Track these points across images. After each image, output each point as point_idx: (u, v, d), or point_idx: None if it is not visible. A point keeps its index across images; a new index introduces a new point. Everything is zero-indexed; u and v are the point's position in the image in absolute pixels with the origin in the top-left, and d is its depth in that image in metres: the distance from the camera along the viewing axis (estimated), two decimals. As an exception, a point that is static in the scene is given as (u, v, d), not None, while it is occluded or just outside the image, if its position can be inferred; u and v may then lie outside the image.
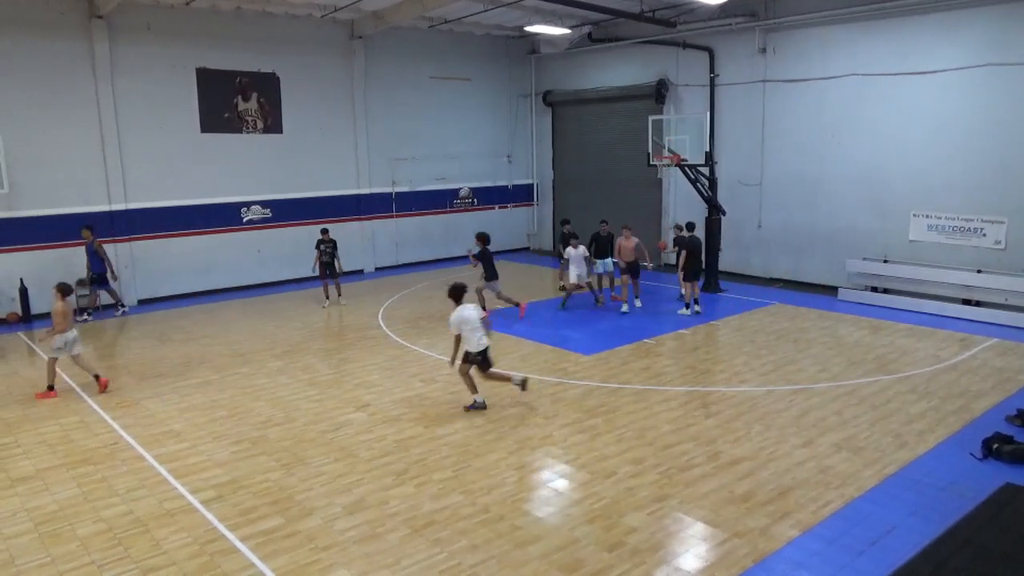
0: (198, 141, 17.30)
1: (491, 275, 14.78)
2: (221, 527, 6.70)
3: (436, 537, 6.43)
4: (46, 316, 15.32)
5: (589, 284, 15.54)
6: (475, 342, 9.31)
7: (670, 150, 17.03)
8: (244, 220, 18.26)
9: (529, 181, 24.09)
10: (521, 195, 24.01)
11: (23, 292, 15.17)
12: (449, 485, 7.44)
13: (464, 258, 21.43)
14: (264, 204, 18.52)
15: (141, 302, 16.72)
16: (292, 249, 18.88)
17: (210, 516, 6.92)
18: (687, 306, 14.61)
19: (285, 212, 18.85)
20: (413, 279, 19.13)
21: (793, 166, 17.27)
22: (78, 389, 10.76)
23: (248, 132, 18.08)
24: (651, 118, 17.79)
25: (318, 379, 11.01)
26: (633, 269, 14.97)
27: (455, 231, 22.13)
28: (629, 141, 20.40)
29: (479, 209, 22.86)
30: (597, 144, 22.11)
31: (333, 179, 19.63)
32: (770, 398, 9.78)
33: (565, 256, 15.42)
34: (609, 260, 15.88)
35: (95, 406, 10.02)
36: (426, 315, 15.05)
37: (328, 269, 16.26)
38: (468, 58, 21.96)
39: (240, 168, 17.99)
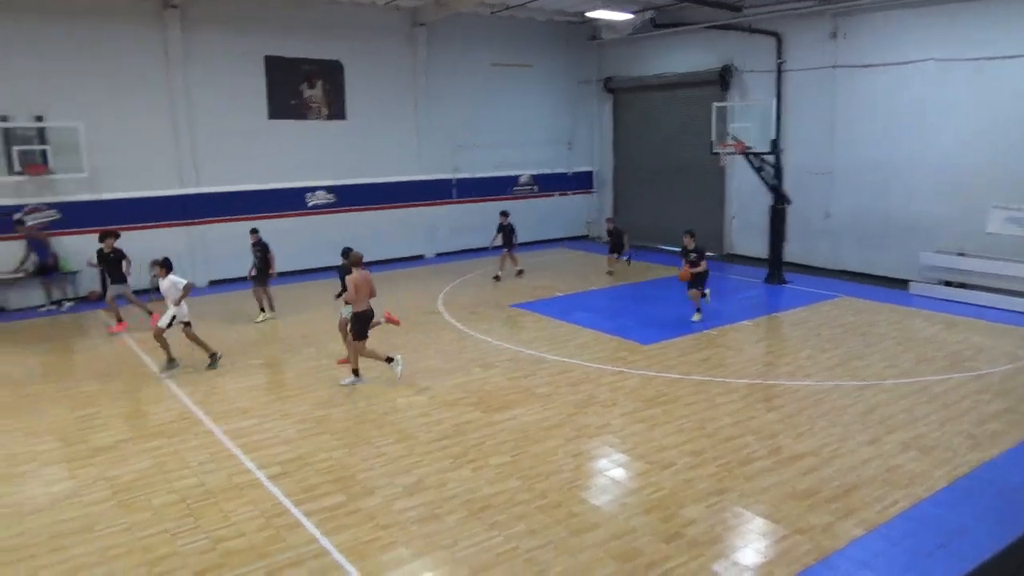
0: (265, 127, 17.73)
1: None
2: (286, 502, 6.92)
3: (493, 520, 6.51)
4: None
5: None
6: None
7: (734, 138, 16.68)
8: (309, 205, 18.67)
9: (589, 168, 23.93)
10: (581, 183, 23.88)
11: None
12: (506, 470, 7.51)
13: (531, 244, 21.54)
14: (328, 190, 18.88)
15: (212, 283, 17.28)
16: (355, 234, 19.16)
17: (276, 491, 7.14)
18: (698, 311, 13.21)
19: (349, 197, 19.19)
20: (472, 266, 19.25)
21: (865, 154, 16.72)
22: (152, 366, 11.21)
23: (313, 119, 18.43)
24: (715, 105, 17.45)
25: (379, 362, 11.20)
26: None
27: (516, 218, 22.13)
28: (691, 128, 20.04)
29: (538, 196, 22.84)
30: (659, 131, 21.81)
31: (395, 165, 19.87)
32: (835, 393, 9.55)
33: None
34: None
35: (168, 383, 10.43)
36: (485, 301, 15.15)
37: (261, 275, 14.00)
38: (529, 45, 21.89)
39: (305, 154, 18.37)
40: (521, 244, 21.66)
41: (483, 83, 21.07)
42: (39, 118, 14.81)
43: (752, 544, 6.15)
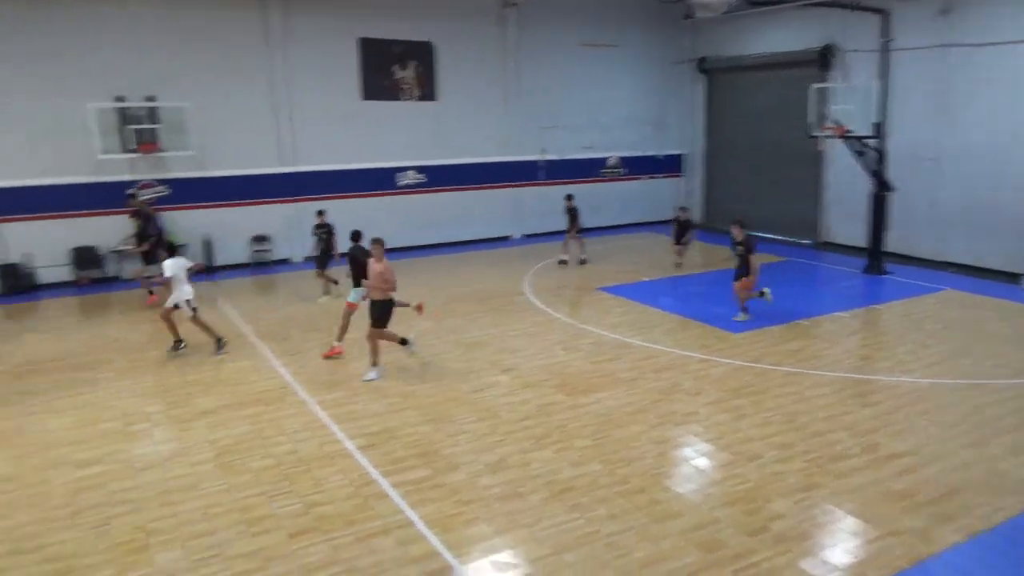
0: (359, 108, 18.15)
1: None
2: (374, 472, 7.16)
3: (575, 503, 6.55)
4: (228, 267, 16.88)
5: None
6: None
7: (834, 121, 15.99)
8: (399, 185, 19.05)
9: (679, 152, 23.44)
10: (670, 166, 23.43)
11: (207, 245, 16.69)
12: (589, 453, 7.53)
13: (618, 227, 21.34)
14: (419, 170, 19.20)
15: (307, 259, 17.88)
16: (443, 214, 19.54)
17: (364, 462, 7.39)
18: (744, 310, 12.24)
19: (438, 178, 19.46)
20: (558, 248, 19.21)
21: (976, 140, 15.73)
22: (252, 336, 11.74)
23: (405, 99, 18.74)
24: (814, 86, 16.78)
25: (464, 340, 11.40)
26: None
27: (601, 201, 21.99)
28: (788, 111, 19.27)
29: (626, 179, 22.56)
30: (754, 114, 21.13)
31: (483, 146, 20.00)
32: (937, 391, 9.11)
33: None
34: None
35: (267, 353, 10.91)
36: (570, 284, 15.15)
37: (324, 256, 14.22)
38: (620, 24, 21.54)
39: (396, 134, 18.72)
40: (608, 228, 21.58)
41: (572, 64, 20.90)
42: (151, 99, 15.62)
43: (842, 543, 5.98)
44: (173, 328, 10.85)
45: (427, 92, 18.99)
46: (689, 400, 8.91)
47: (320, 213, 14.49)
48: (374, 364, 9.80)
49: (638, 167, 22.77)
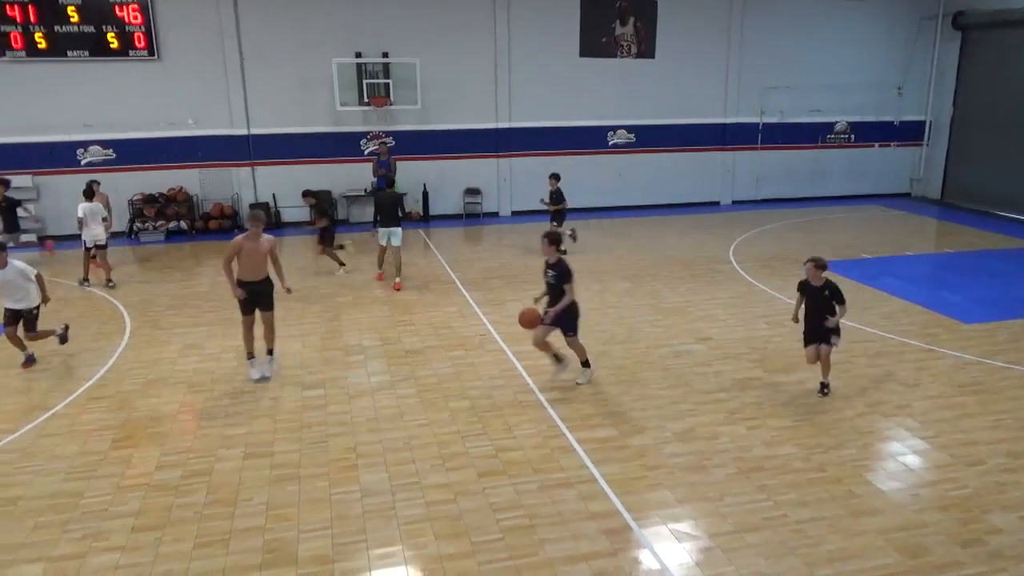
0: (575, 65, 18.20)
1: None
2: (563, 426, 7.37)
3: (763, 483, 6.33)
4: (441, 217, 17.92)
5: None
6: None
7: None
8: (609, 144, 18.96)
9: (921, 118, 21.04)
10: (909, 133, 21.14)
11: (425, 195, 17.80)
12: (784, 434, 7.20)
13: (841, 199, 19.87)
14: (629, 129, 18.97)
15: (515, 213, 18.51)
16: (653, 175, 19.23)
17: (554, 414, 7.63)
18: None
19: (649, 138, 19.12)
20: (770, 216, 18.25)
21: None
22: (459, 284, 12.43)
23: (622, 57, 18.49)
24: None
25: (662, 305, 11.26)
26: None
27: (825, 169, 20.46)
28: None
29: (854, 146, 20.74)
30: (1019, 77, 18.38)
31: (699, 107, 19.29)
32: None
33: None
34: None
35: (471, 301, 11.51)
36: (780, 256, 14.35)
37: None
38: (867, -26, 19.60)
39: (610, 92, 18.58)
40: (831, 198, 20.09)
41: (806, 19, 19.37)
42: (385, 55, 16.76)
43: (1076, 572, 5.26)
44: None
45: (645, 49, 18.60)
46: (904, 391, 8.18)
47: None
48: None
49: (869, 134, 20.81)
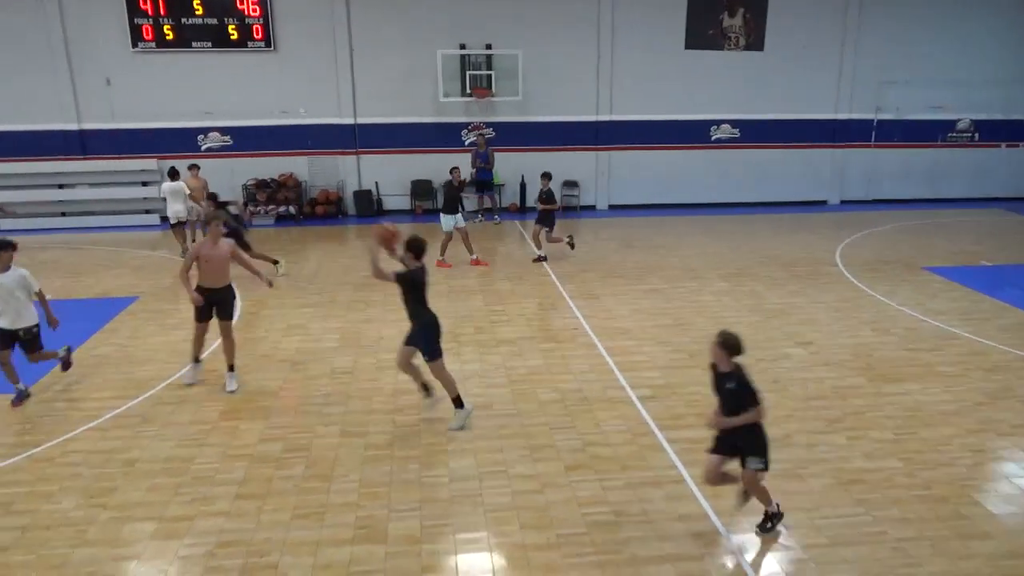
0: (680, 58, 17.84)
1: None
2: (652, 424, 7.28)
3: (862, 497, 6.06)
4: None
5: None
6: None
7: None
8: (712, 139, 18.51)
9: (1059, 116, 19.51)
10: (1043, 132, 19.66)
11: (522, 187, 17.90)
12: (887, 448, 6.87)
13: (962, 201, 18.76)
14: (733, 124, 18.46)
15: (612, 207, 18.37)
16: (757, 171, 18.66)
17: (644, 412, 7.55)
18: None
19: (754, 133, 18.55)
20: (882, 218, 17.38)
21: None
22: (553, 276, 12.46)
23: (729, 49, 17.99)
24: None
25: (762, 306, 10.93)
26: None
27: (944, 169, 19.29)
28: None
29: (978, 145, 19.44)
30: None
31: (808, 102, 18.55)
32: None
33: None
34: None
35: (565, 294, 11.52)
36: (891, 259, 13.65)
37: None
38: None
39: (715, 86, 18.12)
40: (950, 200, 19.00)
41: (926, 11, 18.27)
42: (488, 46, 16.92)
43: None
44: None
45: (753, 41, 18.02)
46: (1023, 410, 7.65)
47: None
48: None
49: (995, 132, 19.47)
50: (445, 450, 6.81)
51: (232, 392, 8.10)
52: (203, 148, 17.18)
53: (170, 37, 16.42)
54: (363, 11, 16.76)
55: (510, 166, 17.61)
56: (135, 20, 16.20)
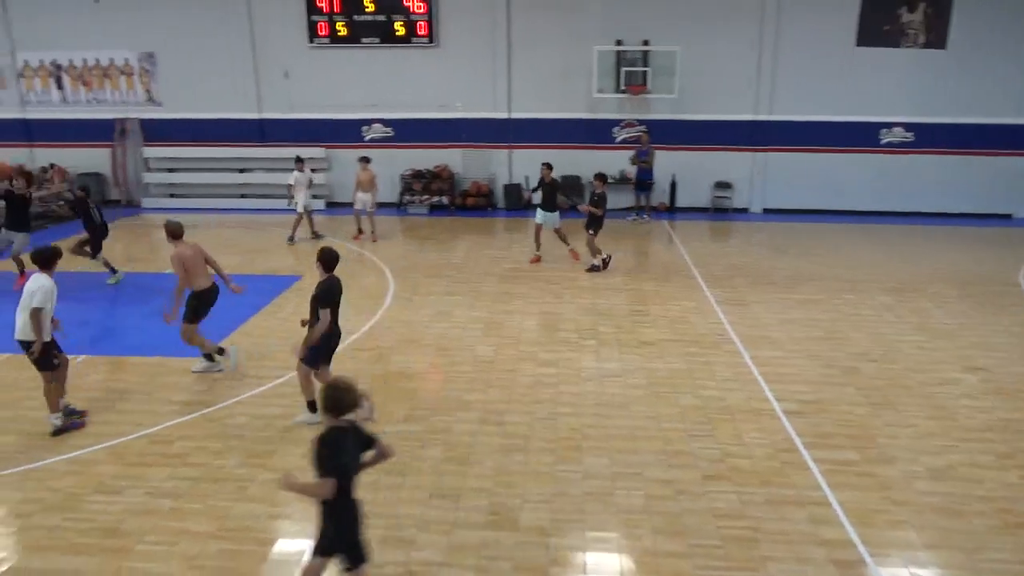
0: (850, 55, 16.76)
1: None
2: (797, 441, 6.95)
3: (1035, 543, 5.50)
4: (687, 209, 17.61)
5: None
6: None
7: None
8: (881, 142, 17.30)
9: None
10: None
11: (672, 186, 17.57)
12: (1069, 492, 6.18)
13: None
14: (907, 127, 17.15)
15: (766, 211, 17.63)
16: (934, 178, 17.24)
17: (789, 427, 7.21)
18: None
19: (930, 138, 17.14)
20: (1079, 235, 15.58)
21: None
22: (699, 279, 12.15)
23: (906, 47, 16.70)
24: None
25: (929, 325, 10.12)
26: None
27: None
28: None
29: None
30: None
31: (995, 104, 16.84)
32: None
33: None
34: None
35: (711, 297, 11.20)
36: (1087, 283, 12.22)
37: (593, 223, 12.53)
38: None
39: (888, 86, 16.90)
40: None
41: None
42: (646, 43, 16.70)
43: None
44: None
45: (935, 39, 16.62)
46: None
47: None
48: None
49: None
50: (580, 446, 6.83)
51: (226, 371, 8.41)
52: (367, 138, 18.12)
53: (342, 33, 17.43)
54: (523, 8, 17.01)
55: (661, 165, 17.28)
56: (312, 17, 17.33)
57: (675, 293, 11.44)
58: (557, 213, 13.00)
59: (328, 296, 6.87)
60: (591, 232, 12.49)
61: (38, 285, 6.73)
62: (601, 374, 8.46)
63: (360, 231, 14.86)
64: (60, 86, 18.60)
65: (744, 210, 17.75)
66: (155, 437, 7.02)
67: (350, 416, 4.29)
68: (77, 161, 18.51)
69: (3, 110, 18.78)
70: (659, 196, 17.61)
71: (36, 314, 6.65)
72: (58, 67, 18.50)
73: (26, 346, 6.80)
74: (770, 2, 16.48)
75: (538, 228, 13.21)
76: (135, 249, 14.58)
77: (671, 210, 17.64)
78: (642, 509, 5.87)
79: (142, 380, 8.28)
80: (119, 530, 5.62)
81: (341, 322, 7.31)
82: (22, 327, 6.77)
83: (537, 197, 13.21)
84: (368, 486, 6.11)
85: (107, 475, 6.37)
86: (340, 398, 4.23)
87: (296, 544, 5.48)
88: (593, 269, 12.53)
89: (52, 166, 18.13)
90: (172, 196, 18.81)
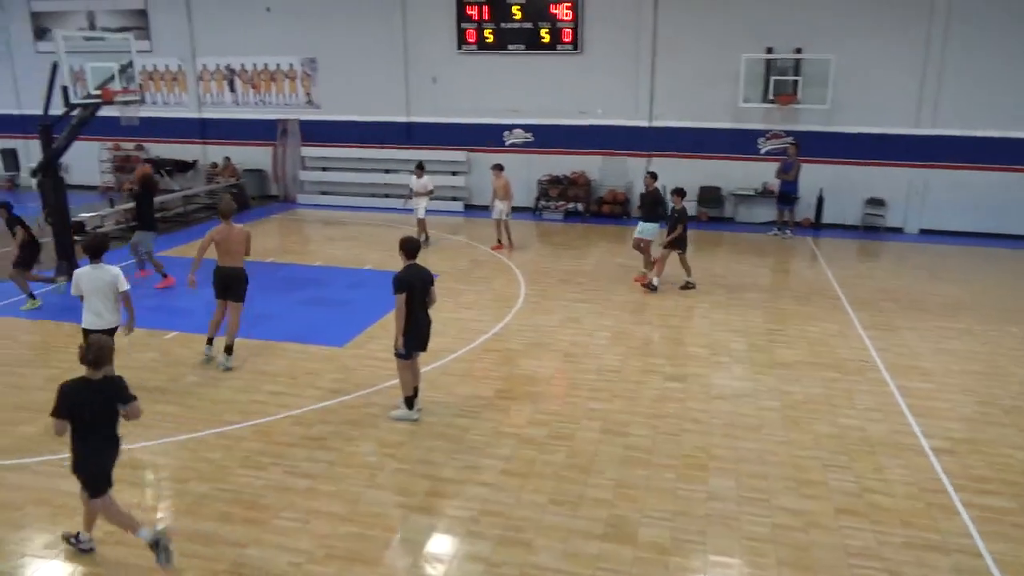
0: (1031, 63, 15.30)
1: None
2: (946, 481, 6.44)
3: None
4: (834, 226, 16.72)
5: None
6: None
7: None
8: (1067, 159, 15.63)
9: None
10: None
11: (819, 201, 16.71)
12: None
13: None
14: (1096, 144, 15.42)
15: (922, 231, 16.42)
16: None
17: (937, 466, 6.70)
18: None
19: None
20: None
21: None
22: (844, 300, 11.50)
23: (1103, 55, 15.04)
24: None
25: (1102, 366, 9.09)
26: None
27: None
28: None
29: None
30: None
31: None
32: None
33: None
34: None
35: (856, 321, 10.57)
36: None
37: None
38: None
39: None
40: None
41: None
42: (798, 51, 15.99)
43: None
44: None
45: None
46: None
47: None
48: None
49: None
50: (705, 465, 6.66)
51: (228, 370, 8.55)
52: (507, 143, 18.44)
53: (489, 40, 17.84)
54: (670, 15, 16.74)
55: (807, 178, 16.46)
56: (461, 25, 17.87)
57: (816, 313, 10.88)
58: (655, 225, 12.34)
59: (401, 282, 7.06)
60: (679, 252, 11.96)
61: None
62: (731, 393, 8.19)
63: (500, 242, 14.82)
64: (232, 88, 20.22)
65: (898, 230, 16.58)
66: (297, 419, 7.49)
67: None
68: (242, 158, 20.03)
69: (183, 110, 20.65)
70: (804, 211, 16.80)
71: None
72: (232, 71, 20.12)
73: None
74: (939, 5, 15.31)
75: (638, 241, 12.56)
76: (289, 242, 15.59)
77: (816, 226, 16.78)
78: (768, 538, 5.64)
79: (289, 364, 8.86)
80: (259, 503, 6.05)
81: (472, 322, 7.50)
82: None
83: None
84: (488, 486, 6.27)
85: (253, 451, 6.86)
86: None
87: (421, 536, 5.68)
88: (649, 287, 11.90)
89: (227, 159, 19.74)
90: (323, 193, 19.95)
